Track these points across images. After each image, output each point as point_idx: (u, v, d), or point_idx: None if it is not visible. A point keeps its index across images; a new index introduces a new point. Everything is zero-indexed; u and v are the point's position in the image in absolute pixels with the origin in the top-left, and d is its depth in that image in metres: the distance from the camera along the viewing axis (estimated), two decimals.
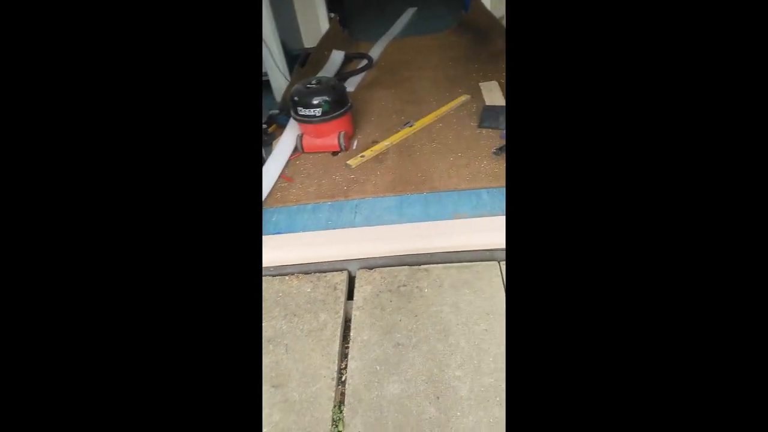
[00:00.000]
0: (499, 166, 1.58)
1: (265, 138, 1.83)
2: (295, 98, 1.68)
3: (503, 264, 1.27)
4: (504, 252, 1.27)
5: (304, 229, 1.43)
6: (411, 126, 1.88)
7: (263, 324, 1.19)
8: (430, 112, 1.96)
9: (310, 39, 2.58)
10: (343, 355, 1.13)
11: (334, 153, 1.77)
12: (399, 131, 1.86)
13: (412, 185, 1.55)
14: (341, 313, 1.20)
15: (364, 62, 2.44)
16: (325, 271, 1.32)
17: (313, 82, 1.71)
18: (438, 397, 1.00)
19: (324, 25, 2.59)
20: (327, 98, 1.65)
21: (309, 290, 1.27)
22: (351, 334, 1.15)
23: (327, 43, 2.54)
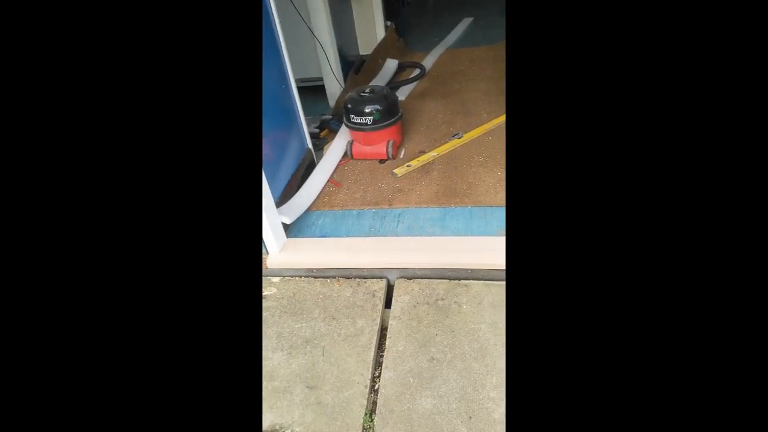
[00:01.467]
0: None
1: (316, 142, 1.88)
2: (348, 105, 1.72)
3: None
4: None
5: (348, 234, 1.46)
6: (459, 138, 1.87)
7: (303, 324, 1.23)
8: (480, 125, 1.94)
9: (365, 46, 2.63)
10: (378, 364, 1.14)
11: (382, 161, 1.79)
12: (447, 142, 1.86)
13: (456, 198, 1.55)
14: (378, 321, 1.22)
15: (417, 71, 2.46)
16: (365, 278, 1.34)
17: (367, 90, 1.74)
18: (470, 417, 0.98)
19: (380, 33, 2.62)
20: (379, 107, 1.68)
21: (348, 295, 1.30)
22: (386, 343, 1.16)
23: (382, 51, 2.58)
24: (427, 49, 2.81)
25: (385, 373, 1.10)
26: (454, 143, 1.84)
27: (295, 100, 1.59)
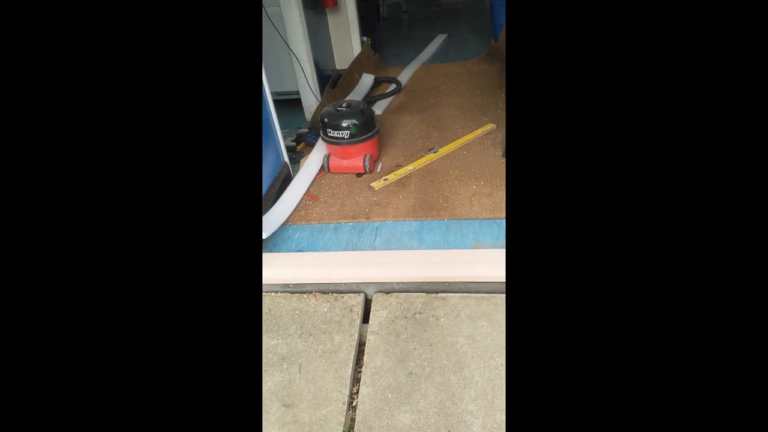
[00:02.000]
0: None
1: (293, 155, 1.87)
2: (325, 120, 1.72)
3: None
4: None
5: (325, 248, 1.45)
6: (435, 152, 1.90)
7: (279, 341, 1.21)
8: (455, 139, 1.98)
9: (342, 61, 2.66)
10: (356, 380, 1.13)
11: (359, 174, 1.80)
12: (423, 156, 1.88)
13: (433, 211, 1.56)
14: (356, 336, 1.21)
15: (393, 86, 2.49)
16: (342, 292, 1.33)
17: (344, 105, 1.76)
18: (449, 431, 0.98)
19: (356, 48, 2.65)
20: (355, 122, 1.69)
21: (326, 310, 1.28)
22: (364, 358, 1.15)
23: (358, 66, 2.61)
24: (403, 64, 2.86)
25: (363, 389, 1.08)
26: (430, 157, 1.87)
27: (271, 114, 1.58)
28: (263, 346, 1.20)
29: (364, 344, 1.20)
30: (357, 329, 1.22)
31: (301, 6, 2.02)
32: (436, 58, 3.00)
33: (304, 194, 1.68)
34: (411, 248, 1.42)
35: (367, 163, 1.77)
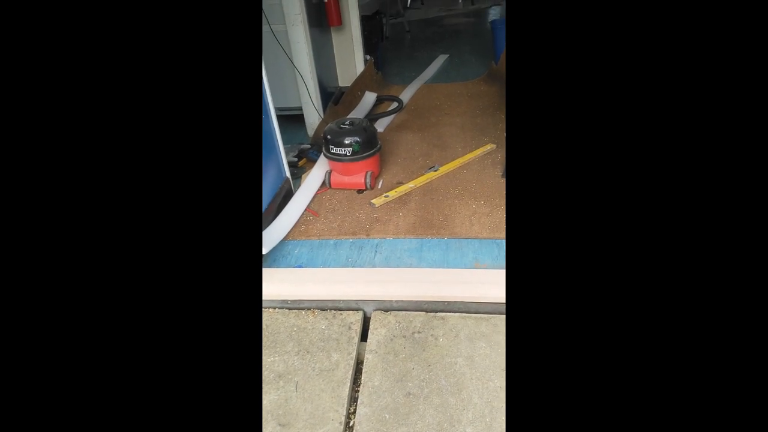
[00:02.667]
0: None
1: (294, 171, 1.88)
2: (328, 137, 1.74)
3: None
4: None
5: (325, 264, 1.45)
6: (436, 170, 1.92)
7: (276, 358, 1.19)
8: (455, 158, 2.00)
9: (345, 78, 2.70)
10: (353, 399, 1.12)
11: (360, 191, 1.81)
12: (424, 174, 1.90)
13: (433, 229, 1.57)
14: (354, 354, 1.20)
15: (395, 105, 2.53)
16: (341, 309, 1.32)
17: (347, 122, 1.78)
18: None
19: (359, 66, 2.70)
20: (358, 139, 1.71)
21: (324, 327, 1.27)
22: (362, 377, 1.14)
23: (360, 84, 2.65)
24: (405, 83, 2.91)
25: (361, 409, 1.07)
26: (431, 175, 1.88)
27: (274, 129, 1.60)
28: None
29: (361, 363, 1.19)
30: (355, 347, 1.21)
31: (306, 24, 2.06)
32: (437, 77, 3.05)
33: (305, 210, 1.69)
34: (411, 266, 1.42)
35: (368, 180, 1.78)
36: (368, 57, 2.76)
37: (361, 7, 2.59)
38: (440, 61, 3.29)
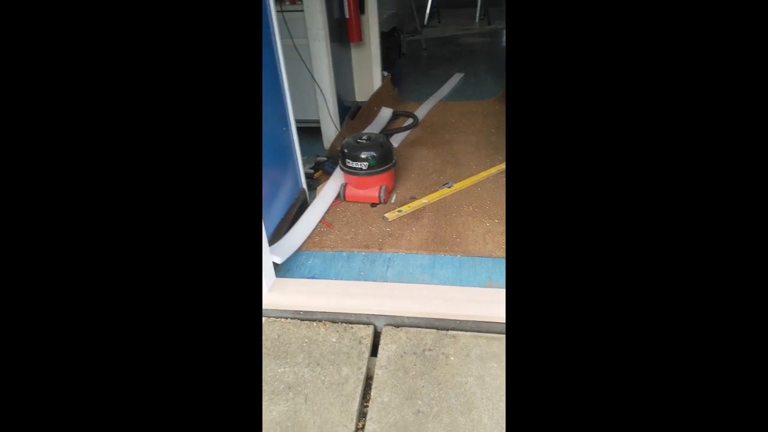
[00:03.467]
0: None
1: (310, 182, 1.91)
2: (345, 151, 1.77)
3: None
4: None
5: (337, 276, 1.46)
6: (449, 187, 1.92)
7: (287, 369, 1.19)
8: (469, 176, 2.01)
9: (362, 93, 2.74)
10: (362, 415, 1.11)
11: (373, 204, 1.82)
12: (437, 190, 1.91)
13: (446, 246, 1.57)
14: (364, 369, 1.19)
15: (410, 121, 2.56)
16: (352, 323, 1.32)
17: (364, 137, 1.80)
18: None
19: (377, 82, 2.74)
20: (374, 154, 1.73)
21: (334, 340, 1.28)
22: (372, 393, 1.14)
23: (378, 99, 2.69)
24: (420, 99, 2.94)
25: (369, 425, 1.06)
26: (444, 192, 1.89)
27: (294, 142, 1.63)
28: (270, 374, 1.19)
29: (371, 378, 1.19)
30: (365, 362, 1.21)
31: (328, 40, 2.11)
32: (452, 95, 3.08)
33: (319, 221, 1.70)
34: (423, 282, 1.42)
35: (382, 194, 1.79)
36: (386, 73, 2.80)
37: (379, 23, 2.65)
38: (456, 79, 3.33)
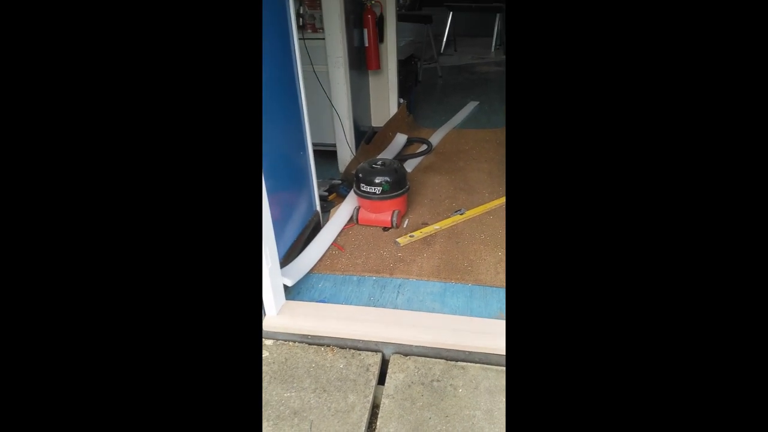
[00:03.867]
0: None
1: (324, 205, 1.93)
2: (360, 175, 1.79)
3: None
4: None
5: (347, 301, 1.46)
6: (462, 214, 1.93)
7: (293, 394, 1.18)
8: (482, 203, 2.01)
9: (378, 118, 2.80)
10: None
11: (386, 228, 1.83)
12: (449, 217, 1.91)
13: (457, 274, 1.56)
14: (370, 397, 1.17)
15: (424, 147, 2.59)
16: (360, 349, 1.31)
17: (378, 163, 1.83)
18: None
19: (393, 108, 2.80)
20: (388, 179, 1.75)
21: (342, 366, 1.26)
22: (377, 423, 1.12)
23: (393, 125, 2.74)
24: (435, 126, 2.98)
25: None
26: (457, 219, 1.90)
27: (310, 165, 1.66)
28: (276, 398, 1.18)
29: (377, 407, 1.17)
30: (372, 390, 1.19)
31: (347, 66, 2.17)
32: (466, 123, 3.11)
33: (331, 244, 1.71)
34: (433, 310, 1.40)
35: (394, 219, 1.80)
36: (402, 100, 2.86)
37: (397, 51, 2.72)
38: (470, 107, 3.37)
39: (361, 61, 2.50)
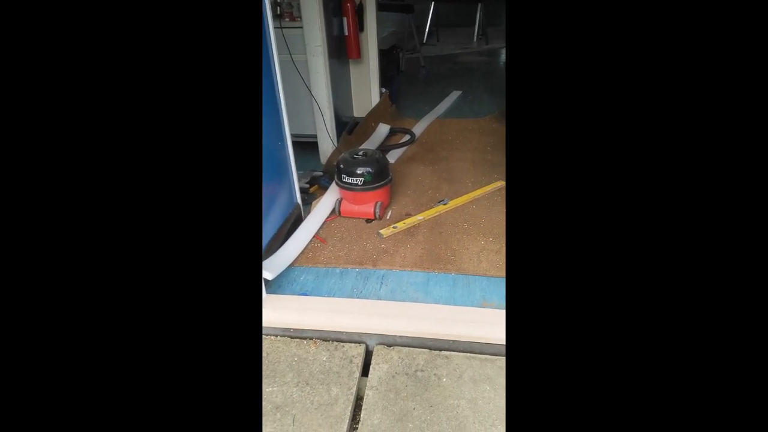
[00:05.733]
0: None
1: (305, 197, 1.90)
2: (341, 166, 1.76)
3: None
4: None
5: (330, 293, 1.44)
6: (445, 204, 1.92)
7: (275, 389, 1.16)
8: (465, 193, 2.01)
9: (360, 109, 2.76)
10: None
11: (368, 220, 1.81)
12: (433, 207, 1.90)
13: (440, 264, 1.56)
14: (354, 389, 1.16)
15: (407, 137, 2.57)
16: (343, 341, 1.30)
17: (360, 153, 1.80)
18: None
19: (375, 98, 2.76)
20: (370, 170, 1.73)
21: (325, 359, 1.25)
22: (362, 414, 1.11)
23: (375, 115, 2.70)
24: (417, 116, 2.96)
25: None
26: (440, 209, 1.89)
27: (289, 156, 1.62)
28: None
29: (361, 399, 1.16)
30: (356, 382, 1.18)
31: (326, 56, 2.13)
32: (449, 113, 3.10)
33: (313, 237, 1.69)
34: (416, 300, 1.40)
35: (377, 210, 1.78)
36: (384, 90, 2.82)
37: (379, 41, 2.68)
38: (453, 97, 3.36)
39: (341, 51, 2.45)
